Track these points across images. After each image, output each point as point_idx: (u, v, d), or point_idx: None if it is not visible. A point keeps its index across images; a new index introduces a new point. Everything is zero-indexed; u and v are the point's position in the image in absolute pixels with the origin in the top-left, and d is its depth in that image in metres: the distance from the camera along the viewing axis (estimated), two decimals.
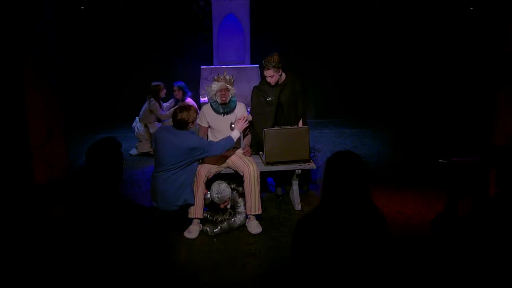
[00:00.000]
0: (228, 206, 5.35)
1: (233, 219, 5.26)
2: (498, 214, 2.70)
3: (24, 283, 4.14)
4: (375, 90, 9.53)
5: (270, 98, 5.66)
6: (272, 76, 5.50)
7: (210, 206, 5.37)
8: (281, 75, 5.59)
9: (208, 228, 5.16)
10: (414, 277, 3.92)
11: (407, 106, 6.69)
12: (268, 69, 5.48)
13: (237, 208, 5.33)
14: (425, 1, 6.33)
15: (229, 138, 5.20)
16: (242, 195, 5.35)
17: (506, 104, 5.36)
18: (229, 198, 5.25)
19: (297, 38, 9.39)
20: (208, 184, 5.31)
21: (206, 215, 5.31)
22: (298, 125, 5.71)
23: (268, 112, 5.67)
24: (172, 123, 5.13)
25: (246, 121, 5.39)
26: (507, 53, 5.31)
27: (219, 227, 5.17)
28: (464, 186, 4.12)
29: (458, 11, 6.54)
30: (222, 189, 5.19)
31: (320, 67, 9.53)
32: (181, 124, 4.98)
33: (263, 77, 5.72)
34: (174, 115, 5.02)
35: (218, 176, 5.44)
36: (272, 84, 5.58)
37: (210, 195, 5.24)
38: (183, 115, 4.97)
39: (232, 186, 5.34)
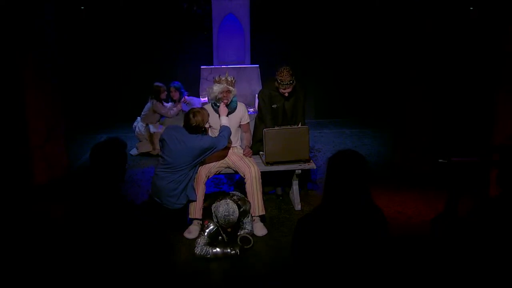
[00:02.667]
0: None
1: (233, 251, 4.66)
2: (498, 214, 2.70)
3: (24, 283, 4.14)
4: (375, 90, 9.53)
5: (275, 105, 5.72)
6: (291, 90, 5.56)
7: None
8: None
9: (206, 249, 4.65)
10: (414, 277, 3.92)
11: (407, 106, 6.69)
12: (287, 88, 5.50)
13: (242, 226, 4.88)
14: (425, 1, 6.33)
15: (225, 127, 5.21)
16: (244, 213, 4.87)
17: (506, 104, 5.36)
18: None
19: (297, 38, 9.38)
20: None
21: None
22: None
23: (274, 119, 5.72)
24: (168, 120, 5.11)
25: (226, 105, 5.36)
26: (507, 53, 5.31)
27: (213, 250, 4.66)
28: (464, 186, 4.12)
29: (458, 11, 6.54)
30: (231, 210, 4.56)
31: (320, 67, 9.52)
32: (196, 128, 4.97)
33: (269, 84, 5.74)
34: (187, 120, 4.98)
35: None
36: (287, 95, 5.61)
37: (214, 215, 4.65)
38: (198, 119, 4.95)
39: (236, 202, 4.74)
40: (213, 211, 4.71)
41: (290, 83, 5.48)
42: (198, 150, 4.96)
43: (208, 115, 5.16)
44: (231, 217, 4.58)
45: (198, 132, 5.01)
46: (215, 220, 4.68)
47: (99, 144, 2.92)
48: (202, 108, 5.36)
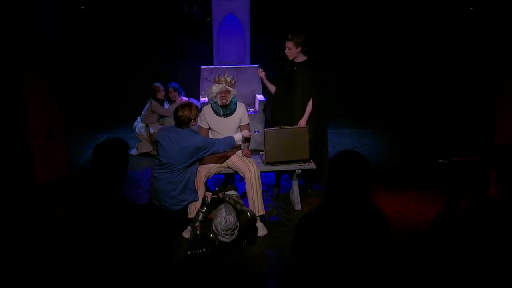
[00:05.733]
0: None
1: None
2: (498, 214, 2.70)
3: (24, 283, 4.14)
4: (375, 90, 9.53)
5: (286, 71, 5.85)
6: (290, 48, 5.70)
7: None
8: (300, 52, 5.74)
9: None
10: (414, 277, 3.92)
11: (408, 106, 6.70)
12: (288, 40, 5.69)
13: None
14: (425, 1, 6.34)
15: (231, 138, 5.22)
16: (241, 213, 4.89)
17: (506, 104, 5.36)
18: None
19: None
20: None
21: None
22: (307, 106, 5.77)
23: (285, 88, 5.84)
24: (168, 121, 5.15)
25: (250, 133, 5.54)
26: (507, 53, 5.31)
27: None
28: (464, 186, 4.12)
29: (458, 11, 6.54)
30: (226, 218, 4.79)
31: (320, 67, 9.52)
32: (184, 121, 5.00)
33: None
34: (175, 113, 5.03)
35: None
36: (290, 58, 5.76)
37: (215, 229, 4.81)
38: (185, 112, 5.00)
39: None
40: (213, 227, 4.82)
41: (289, 38, 5.64)
42: (192, 149, 4.96)
43: (197, 108, 5.18)
44: (228, 223, 4.76)
45: (186, 125, 5.02)
46: (216, 232, 4.80)
47: (102, 144, 2.92)
48: (189, 102, 5.54)
